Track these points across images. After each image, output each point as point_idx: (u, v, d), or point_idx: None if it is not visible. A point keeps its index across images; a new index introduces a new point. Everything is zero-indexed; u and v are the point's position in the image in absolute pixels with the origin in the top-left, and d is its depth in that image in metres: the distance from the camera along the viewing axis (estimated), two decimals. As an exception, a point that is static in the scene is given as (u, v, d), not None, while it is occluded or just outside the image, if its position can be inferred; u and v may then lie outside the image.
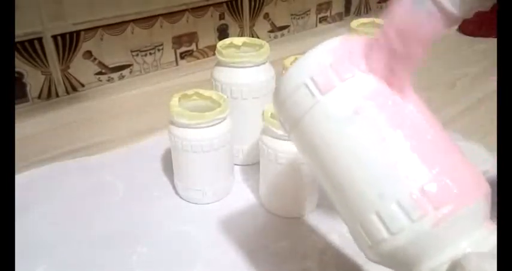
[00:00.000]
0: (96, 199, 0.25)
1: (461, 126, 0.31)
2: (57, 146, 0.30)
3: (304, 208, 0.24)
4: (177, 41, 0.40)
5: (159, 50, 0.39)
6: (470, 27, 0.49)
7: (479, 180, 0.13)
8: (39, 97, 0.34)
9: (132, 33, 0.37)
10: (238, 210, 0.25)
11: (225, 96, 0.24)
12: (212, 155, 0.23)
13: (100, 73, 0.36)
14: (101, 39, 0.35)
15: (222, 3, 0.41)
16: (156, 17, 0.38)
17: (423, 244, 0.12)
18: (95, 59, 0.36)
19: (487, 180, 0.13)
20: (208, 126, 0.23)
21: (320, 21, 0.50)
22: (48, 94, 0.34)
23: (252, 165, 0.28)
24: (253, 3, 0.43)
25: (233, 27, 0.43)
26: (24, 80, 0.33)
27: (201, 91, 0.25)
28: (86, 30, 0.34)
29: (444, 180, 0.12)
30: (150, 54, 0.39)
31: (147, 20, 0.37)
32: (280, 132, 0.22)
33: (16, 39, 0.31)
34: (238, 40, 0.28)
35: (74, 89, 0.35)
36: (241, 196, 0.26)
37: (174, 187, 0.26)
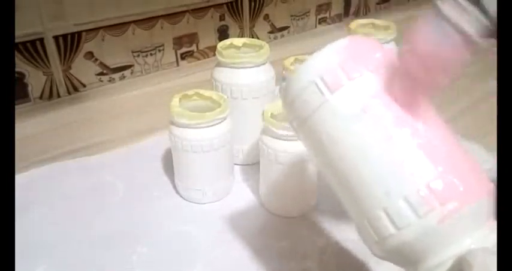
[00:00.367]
0: (96, 199, 0.25)
1: (461, 126, 0.31)
2: (58, 146, 0.30)
3: (304, 208, 0.24)
4: (178, 41, 0.40)
5: (159, 50, 0.39)
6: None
7: (483, 178, 0.13)
8: (40, 97, 0.34)
9: (133, 34, 0.37)
10: (238, 210, 0.25)
11: (225, 97, 0.24)
12: (212, 155, 0.23)
13: (101, 73, 0.36)
14: (102, 39, 0.35)
15: (222, 4, 0.41)
16: (156, 18, 0.38)
17: (429, 240, 0.12)
18: (96, 59, 0.36)
19: None
20: (208, 126, 0.23)
21: (319, 22, 0.50)
22: (50, 94, 0.34)
23: (252, 165, 0.28)
24: (253, 4, 0.44)
25: (233, 28, 0.43)
26: (25, 80, 0.33)
27: (201, 91, 0.25)
28: (87, 31, 0.34)
29: (449, 177, 0.12)
30: (151, 54, 0.39)
31: (147, 21, 0.37)
32: (280, 132, 0.22)
33: (17, 40, 0.31)
34: (238, 41, 0.28)
35: (75, 90, 0.36)
36: (241, 196, 0.26)
37: (174, 187, 0.26)
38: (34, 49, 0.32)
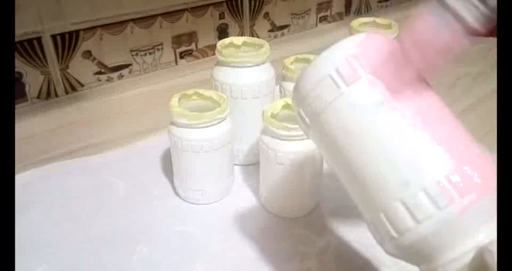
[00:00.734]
0: (96, 199, 0.25)
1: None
2: (57, 146, 0.30)
3: (305, 208, 0.24)
4: (177, 40, 0.40)
5: (158, 49, 0.39)
6: None
7: (495, 169, 0.13)
8: (38, 97, 0.34)
9: (132, 32, 0.37)
10: (238, 210, 0.25)
11: (225, 96, 0.24)
12: (212, 155, 0.23)
13: (99, 73, 0.36)
14: (101, 38, 0.35)
15: (221, 2, 0.41)
16: (155, 16, 0.37)
17: (448, 233, 0.12)
18: (94, 58, 0.36)
19: None
20: (208, 126, 0.23)
21: (320, 21, 0.50)
22: (48, 94, 0.34)
23: (252, 165, 0.28)
24: (253, 3, 0.43)
25: (233, 26, 0.43)
26: (23, 80, 0.33)
27: (200, 91, 0.25)
28: (85, 29, 0.34)
29: (467, 169, 0.12)
30: (150, 53, 0.39)
31: (146, 20, 0.37)
32: (280, 132, 0.22)
33: (15, 39, 0.31)
34: (238, 40, 0.28)
35: (73, 89, 0.35)
36: (241, 196, 0.26)
37: (174, 187, 0.26)
38: (32, 48, 0.32)
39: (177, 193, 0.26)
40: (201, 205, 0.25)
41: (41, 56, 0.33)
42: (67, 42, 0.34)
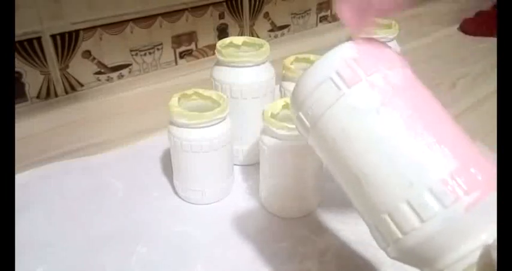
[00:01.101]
0: (96, 199, 0.25)
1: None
2: (57, 146, 0.30)
3: (305, 208, 0.24)
4: (177, 40, 0.40)
5: (158, 49, 0.39)
6: (471, 27, 0.49)
7: (495, 167, 0.13)
8: (38, 97, 0.34)
9: (132, 32, 0.37)
10: (238, 210, 0.25)
11: (225, 96, 0.24)
12: (212, 155, 0.23)
13: (99, 73, 0.36)
14: (100, 38, 0.35)
15: (221, 2, 0.41)
16: (155, 16, 0.37)
17: (454, 231, 0.12)
18: (94, 58, 0.35)
19: None
20: (208, 126, 0.23)
21: (320, 21, 0.50)
22: (47, 94, 0.34)
23: (252, 165, 0.28)
24: (253, 3, 0.43)
25: (233, 26, 0.43)
26: (23, 80, 0.33)
27: (200, 91, 0.25)
28: (85, 29, 0.34)
29: (471, 168, 0.13)
30: (150, 53, 0.38)
31: (146, 20, 0.37)
32: (280, 132, 0.22)
33: (15, 39, 0.31)
34: (238, 39, 0.28)
35: (73, 89, 0.35)
36: (241, 197, 0.26)
37: (173, 187, 0.26)
38: (31, 48, 0.32)
39: (176, 194, 0.26)
40: (201, 205, 0.25)
41: (40, 55, 0.33)
42: (67, 42, 0.33)
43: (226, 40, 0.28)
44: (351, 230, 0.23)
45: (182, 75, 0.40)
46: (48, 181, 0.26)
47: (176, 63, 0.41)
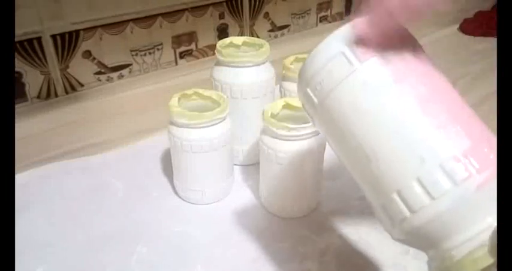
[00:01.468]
0: (96, 199, 0.25)
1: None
2: (57, 146, 0.30)
3: (305, 208, 0.24)
4: (177, 40, 0.40)
5: (158, 49, 0.39)
6: (470, 27, 0.49)
7: None
8: (38, 97, 0.34)
9: (132, 32, 0.37)
10: (238, 210, 0.25)
11: (225, 96, 0.24)
12: (212, 155, 0.23)
13: (99, 73, 0.36)
14: (100, 38, 0.35)
15: (221, 2, 0.41)
16: (155, 16, 0.37)
17: (464, 210, 0.12)
18: (94, 58, 0.35)
19: None
20: (208, 126, 0.23)
21: (320, 21, 0.50)
22: (47, 94, 0.34)
23: (252, 165, 0.28)
24: (253, 3, 0.43)
25: (233, 26, 0.43)
26: (23, 80, 0.33)
27: (200, 91, 0.25)
28: (85, 29, 0.34)
29: (482, 146, 0.12)
30: (150, 53, 0.38)
31: (146, 20, 0.37)
32: (280, 132, 0.22)
33: (15, 39, 0.31)
34: (238, 39, 0.28)
35: (73, 89, 0.35)
36: (241, 197, 0.26)
37: (173, 187, 0.26)
38: (31, 48, 0.32)
39: (177, 194, 0.26)
40: (201, 205, 0.25)
41: (41, 55, 0.33)
42: (67, 42, 0.33)
43: (226, 40, 0.28)
44: (351, 230, 0.23)
45: (182, 75, 0.40)
46: (48, 181, 0.26)
47: (176, 63, 0.41)
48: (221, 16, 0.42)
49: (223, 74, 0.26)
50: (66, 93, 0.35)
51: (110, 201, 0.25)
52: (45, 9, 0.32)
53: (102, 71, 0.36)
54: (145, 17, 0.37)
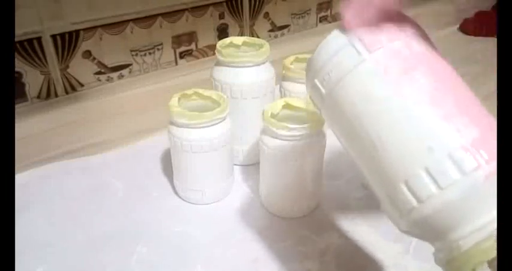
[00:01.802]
0: (96, 199, 0.25)
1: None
2: (57, 146, 0.30)
3: (305, 208, 0.24)
4: (177, 40, 0.40)
5: (158, 49, 0.39)
6: (471, 27, 0.49)
7: None
8: (38, 97, 0.34)
9: (132, 32, 0.37)
10: (238, 210, 0.25)
11: (225, 96, 0.24)
12: (212, 155, 0.23)
13: (99, 73, 0.36)
14: (100, 38, 0.35)
15: (221, 2, 0.41)
16: (155, 16, 0.37)
17: (472, 200, 0.12)
18: (94, 58, 0.35)
19: None
20: (208, 126, 0.23)
21: (320, 21, 0.50)
22: (47, 94, 0.34)
23: (252, 165, 0.28)
24: (253, 3, 0.43)
25: (233, 26, 0.43)
26: (23, 80, 0.33)
27: (200, 91, 0.25)
28: (85, 29, 0.34)
29: (491, 137, 0.12)
30: (150, 53, 0.39)
31: (146, 20, 0.37)
32: (280, 132, 0.22)
33: (15, 39, 0.31)
34: (238, 40, 0.28)
35: (73, 89, 0.35)
36: (241, 197, 0.26)
37: (173, 187, 0.26)
38: (32, 48, 0.32)
39: (177, 193, 0.26)
40: (201, 205, 0.25)
41: (41, 55, 0.33)
42: (67, 42, 0.34)
43: (227, 40, 0.28)
44: (351, 230, 0.23)
45: (182, 75, 0.40)
46: (48, 181, 0.26)
47: (176, 63, 0.41)
48: (221, 16, 0.42)
49: (223, 74, 0.26)
50: (66, 93, 0.35)
51: (110, 201, 0.25)
52: (45, 9, 0.32)
53: (102, 71, 0.36)
54: (146, 17, 0.37)
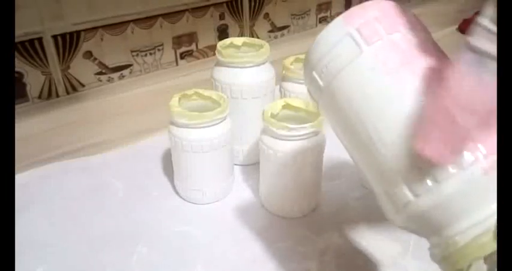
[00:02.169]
0: (96, 199, 0.25)
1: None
2: (57, 146, 0.30)
3: (305, 208, 0.24)
4: (177, 41, 0.40)
5: (159, 50, 0.39)
6: (469, 27, 0.49)
7: None
8: (39, 97, 0.34)
9: (132, 33, 0.37)
10: (238, 210, 0.25)
11: (225, 96, 0.24)
12: (212, 155, 0.23)
13: (100, 73, 0.36)
14: (101, 39, 0.35)
15: (222, 3, 0.41)
16: (156, 17, 0.38)
17: (469, 195, 0.12)
18: (95, 59, 0.36)
19: None
20: (208, 126, 0.23)
21: (320, 21, 0.50)
22: (48, 94, 0.34)
23: (252, 165, 0.28)
24: (253, 3, 0.43)
25: (233, 27, 0.43)
26: (24, 80, 0.33)
27: (200, 91, 0.25)
28: (86, 30, 0.34)
29: (490, 131, 0.12)
30: (150, 54, 0.39)
31: (147, 20, 0.37)
32: (280, 132, 0.22)
33: (16, 39, 0.31)
34: (238, 40, 0.28)
35: (74, 89, 0.36)
36: (241, 196, 0.26)
37: (174, 187, 0.26)
38: (33, 48, 0.32)
39: (177, 193, 0.26)
40: (201, 205, 0.25)
41: (42, 56, 0.33)
42: (68, 42, 0.34)
43: (227, 41, 0.28)
44: (351, 230, 0.23)
45: (183, 75, 0.40)
46: (48, 181, 0.26)
47: (177, 63, 0.41)
48: (221, 17, 0.42)
49: (223, 74, 0.26)
50: (67, 93, 0.35)
51: (110, 201, 0.25)
52: (46, 10, 0.32)
53: (103, 71, 0.36)
54: (146, 18, 0.37)
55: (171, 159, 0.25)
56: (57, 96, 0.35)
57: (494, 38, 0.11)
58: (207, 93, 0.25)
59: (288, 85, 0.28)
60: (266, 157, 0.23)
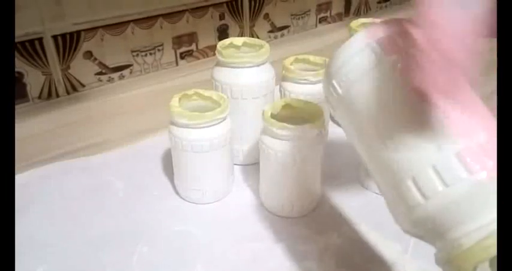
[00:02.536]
0: (96, 199, 0.25)
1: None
2: (57, 146, 0.30)
3: (305, 208, 0.24)
4: (177, 41, 0.40)
5: (159, 50, 0.39)
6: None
7: None
8: (39, 97, 0.34)
9: (133, 33, 0.37)
10: (238, 210, 0.25)
11: (225, 96, 0.24)
12: (212, 155, 0.23)
13: (100, 73, 0.36)
14: (101, 39, 0.35)
15: (222, 3, 0.41)
16: (156, 17, 0.38)
17: (477, 198, 0.12)
18: (95, 59, 0.36)
19: None
20: (208, 126, 0.23)
21: (320, 22, 0.50)
22: (49, 94, 0.34)
23: (252, 165, 0.28)
24: (253, 4, 0.43)
25: (233, 27, 0.43)
26: (24, 80, 0.33)
27: (201, 91, 0.25)
28: (86, 30, 0.34)
29: (495, 138, 0.12)
30: (150, 54, 0.39)
31: (147, 20, 0.37)
32: (280, 132, 0.22)
33: (16, 39, 0.31)
34: (238, 40, 0.28)
35: (74, 89, 0.36)
36: (241, 196, 0.26)
37: (174, 187, 0.26)
38: (33, 49, 0.32)
39: (177, 193, 0.26)
40: (201, 205, 0.25)
41: (42, 56, 0.33)
42: (68, 42, 0.34)
43: (227, 41, 0.28)
44: (351, 230, 0.23)
45: (183, 75, 0.40)
46: (48, 181, 0.26)
47: (177, 63, 0.41)
48: (221, 17, 0.42)
49: (223, 74, 0.26)
50: (68, 93, 0.35)
51: (110, 201, 0.25)
52: (46, 10, 0.32)
53: (103, 71, 0.37)
54: (146, 18, 0.37)
55: (171, 159, 0.25)
56: (58, 96, 0.35)
57: None
58: (207, 93, 0.25)
59: (288, 85, 0.28)
60: (266, 157, 0.23)
